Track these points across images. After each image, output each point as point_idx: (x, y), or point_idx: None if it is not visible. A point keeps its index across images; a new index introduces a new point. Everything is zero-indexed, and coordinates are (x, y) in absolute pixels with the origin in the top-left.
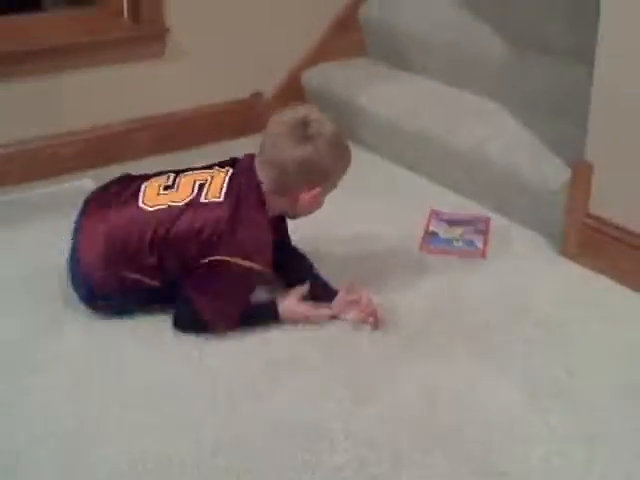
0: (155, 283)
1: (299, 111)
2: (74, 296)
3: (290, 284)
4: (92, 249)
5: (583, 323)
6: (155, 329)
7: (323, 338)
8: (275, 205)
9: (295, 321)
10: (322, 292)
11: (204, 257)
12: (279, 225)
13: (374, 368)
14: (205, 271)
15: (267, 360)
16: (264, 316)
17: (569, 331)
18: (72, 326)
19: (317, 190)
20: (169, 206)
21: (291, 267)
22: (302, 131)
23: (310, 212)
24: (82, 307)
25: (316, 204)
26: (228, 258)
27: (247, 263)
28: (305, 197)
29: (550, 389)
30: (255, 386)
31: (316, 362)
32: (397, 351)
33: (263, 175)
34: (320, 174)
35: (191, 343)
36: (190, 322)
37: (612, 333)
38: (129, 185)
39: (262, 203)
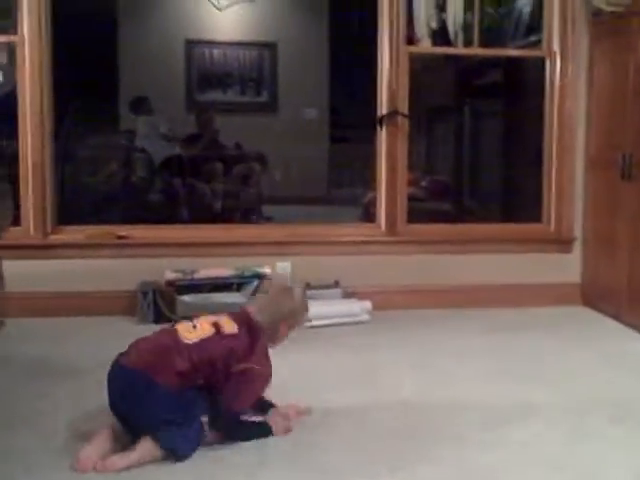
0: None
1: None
2: None
3: None
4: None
5: None
6: None
7: None
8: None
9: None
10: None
11: (231, 367)
12: None
13: None
14: (238, 378)
15: None
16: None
17: None
18: None
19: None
20: (201, 339)
21: None
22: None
23: (281, 340)
24: None
25: (284, 336)
26: (254, 365)
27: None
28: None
29: None
30: None
31: None
32: None
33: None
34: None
35: None
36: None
37: None
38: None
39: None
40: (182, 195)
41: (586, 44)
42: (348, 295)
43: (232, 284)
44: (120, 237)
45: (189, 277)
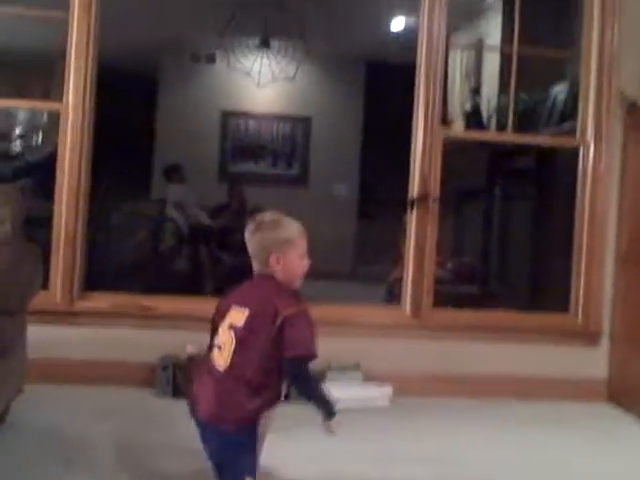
0: None
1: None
2: None
3: None
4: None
5: None
6: None
7: None
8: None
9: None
10: None
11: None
12: None
13: None
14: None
15: None
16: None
17: None
18: None
19: (280, 257)
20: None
21: None
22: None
23: (293, 274)
24: None
25: (290, 267)
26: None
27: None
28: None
29: None
30: None
31: None
32: None
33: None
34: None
35: None
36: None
37: None
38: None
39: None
40: (208, 266)
41: (620, 136)
42: (368, 379)
43: None
44: (145, 307)
45: None
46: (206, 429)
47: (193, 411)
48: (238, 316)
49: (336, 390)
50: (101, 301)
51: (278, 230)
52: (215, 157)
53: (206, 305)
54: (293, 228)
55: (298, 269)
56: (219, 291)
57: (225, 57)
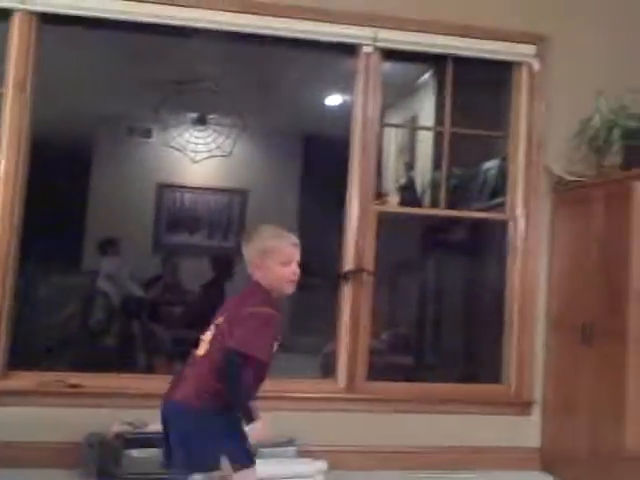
0: None
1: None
2: None
3: None
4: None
5: None
6: None
7: None
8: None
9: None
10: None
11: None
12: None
13: None
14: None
15: None
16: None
17: None
18: None
19: (259, 264)
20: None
21: None
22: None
23: (275, 281)
24: None
25: (271, 274)
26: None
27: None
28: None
29: None
30: None
31: None
32: None
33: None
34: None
35: None
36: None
37: None
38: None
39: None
40: (140, 340)
41: (548, 210)
42: (303, 454)
43: None
44: (72, 385)
45: (138, 430)
46: (174, 419)
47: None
48: (222, 316)
49: (270, 466)
50: (25, 380)
51: (258, 240)
52: (150, 229)
53: (136, 382)
54: (273, 237)
55: (279, 276)
56: (151, 366)
57: (161, 132)
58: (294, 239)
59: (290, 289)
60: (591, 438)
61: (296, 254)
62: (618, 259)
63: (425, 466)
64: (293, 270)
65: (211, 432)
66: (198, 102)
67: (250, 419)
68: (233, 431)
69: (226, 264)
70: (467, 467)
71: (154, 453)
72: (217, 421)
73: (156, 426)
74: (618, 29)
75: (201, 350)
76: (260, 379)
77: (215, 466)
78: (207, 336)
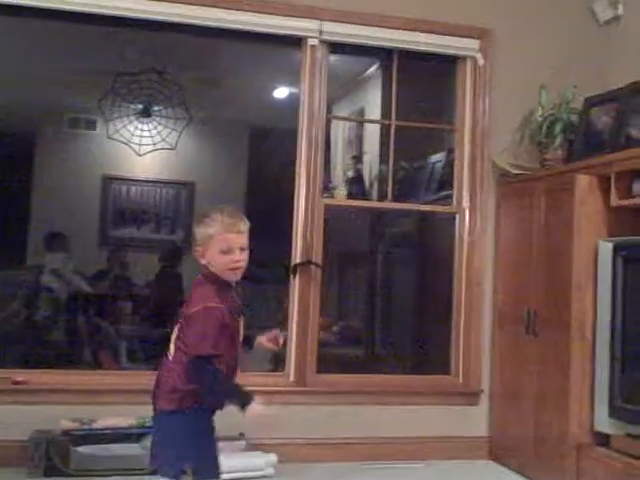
0: None
1: None
2: None
3: None
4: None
5: None
6: None
7: None
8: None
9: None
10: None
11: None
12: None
13: None
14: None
15: None
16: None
17: None
18: None
19: (202, 250)
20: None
21: None
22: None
23: (217, 268)
24: None
25: (213, 261)
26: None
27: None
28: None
29: None
30: None
31: None
32: None
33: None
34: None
35: None
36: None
37: None
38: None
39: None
40: (86, 335)
41: (493, 202)
42: (253, 447)
43: (132, 435)
44: (17, 382)
45: (86, 427)
46: (153, 419)
47: None
48: (181, 314)
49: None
50: None
51: (202, 226)
52: (95, 223)
53: (83, 378)
54: (215, 224)
55: (219, 263)
56: (98, 362)
57: (105, 124)
58: (240, 225)
59: (233, 276)
60: (537, 426)
61: (238, 241)
62: (560, 250)
63: (375, 457)
64: (232, 258)
65: (178, 439)
66: (143, 94)
67: (247, 401)
68: (203, 440)
69: (174, 257)
70: (417, 457)
71: (102, 450)
72: (186, 426)
73: (104, 422)
74: (560, 25)
75: (170, 350)
76: (232, 363)
77: (180, 475)
78: (173, 335)
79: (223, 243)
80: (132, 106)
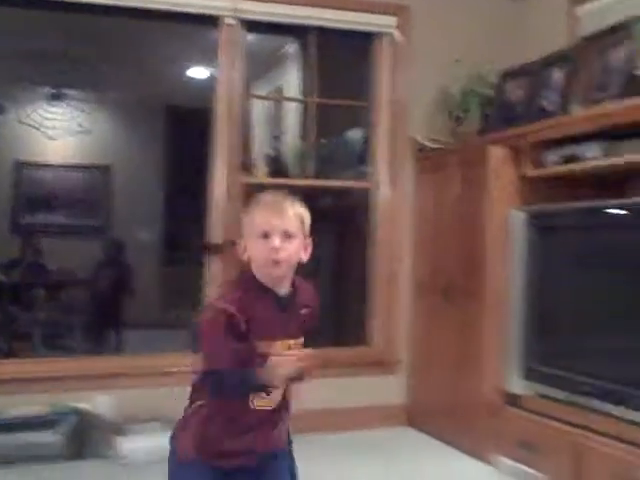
0: None
1: None
2: None
3: None
4: None
5: None
6: None
7: None
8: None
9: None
10: None
11: None
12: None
13: None
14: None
15: None
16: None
17: None
18: None
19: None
20: None
21: None
22: None
23: (255, 262)
24: None
25: (251, 253)
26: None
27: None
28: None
29: None
30: None
31: None
32: None
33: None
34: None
35: None
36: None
37: None
38: None
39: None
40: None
41: (412, 177)
42: (169, 429)
43: (44, 422)
44: None
45: None
46: None
47: None
48: None
49: (135, 443)
50: None
51: (245, 215)
52: (7, 209)
53: None
54: (256, 204)
55: (254, 253)
56: (13, 350)
57: (14, 108)
58: (283, 205)
59: (272, 269)
60: (452, 391)
61: (278, 223)
62: (474, 221)
63: (297, 430)
64: (268, 246)
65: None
66: (52, 77)
67: (263, 387)
68: None
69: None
70: (338, 429)
71: (14, 439)
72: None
73: (17, 411)
74: (476, 0)
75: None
76: (252, 358)
77: None
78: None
79: (259, 227)
80: (43, 89)
